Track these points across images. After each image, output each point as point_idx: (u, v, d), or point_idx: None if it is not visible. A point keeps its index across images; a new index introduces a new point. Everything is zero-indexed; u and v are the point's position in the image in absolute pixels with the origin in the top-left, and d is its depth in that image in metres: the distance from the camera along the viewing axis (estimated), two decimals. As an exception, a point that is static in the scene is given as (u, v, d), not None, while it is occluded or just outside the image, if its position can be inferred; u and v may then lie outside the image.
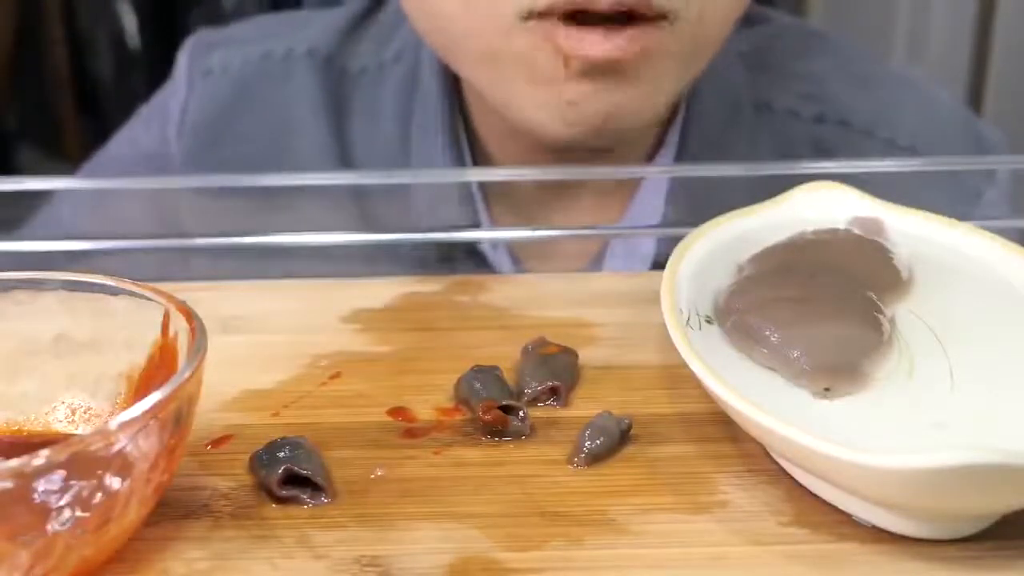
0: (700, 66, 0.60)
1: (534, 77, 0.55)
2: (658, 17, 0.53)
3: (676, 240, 0.46)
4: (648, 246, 0.66)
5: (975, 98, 1.51)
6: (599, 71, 0.53)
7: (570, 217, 0.67)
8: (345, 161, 0.69)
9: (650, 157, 0.67)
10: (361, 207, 0.66)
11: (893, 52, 1.52)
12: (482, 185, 0.67)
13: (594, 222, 0.68)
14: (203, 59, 0.73)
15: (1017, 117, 1.46)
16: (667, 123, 0.67)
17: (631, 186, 0.67)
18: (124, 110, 0.82)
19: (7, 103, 1.91)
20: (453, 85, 0.67)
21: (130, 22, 1.87)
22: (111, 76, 1.91)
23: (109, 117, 1.85)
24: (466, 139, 0.67)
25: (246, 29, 0.77)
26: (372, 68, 0.71)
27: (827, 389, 0.40)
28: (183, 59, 0.74)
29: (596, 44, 0.52)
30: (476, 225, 0.66)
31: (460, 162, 0.66)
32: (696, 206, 0.60)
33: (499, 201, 0.68)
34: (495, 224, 0.68)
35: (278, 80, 0.71)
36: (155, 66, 0.81)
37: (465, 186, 0.65)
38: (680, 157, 0.66)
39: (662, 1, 0.53)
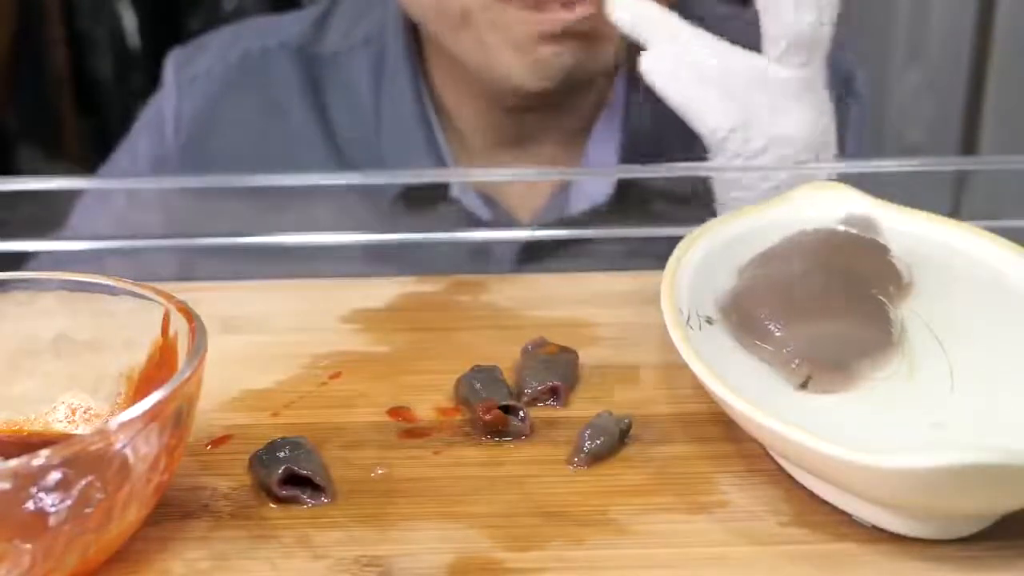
0: None
1: (511, 44, 0.67)
2: None
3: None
4: (605, 186, 0.76)
5: (975, 98, 1.50)
6: (567, 35, 0.67)
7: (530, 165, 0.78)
8: (327, 131, 0.78)
9: (598, 106, 0.78)
10: (339, 154, 0.78)
11: (893, 52, 1.51)
12: (446, 138, 0.77)
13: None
14: (187, 68, 0.82)
15: (1017, 117, 1.46)
16: (611, 79, 0.78)
17: (584, 136, 0.78)
18: (124, 110, 0.85)
19: (7, 103, 1.91)
20: (417, 60, 0.78)
21: (130, 22, 1.87)
22: (111, 76, 1.91)
23: (109, 117, 1.85)
24: (431, 103, 0.78)
25: (217, 37, 0.85)
26: (344, 51, 0.80)
27: (809, 378, 0.40)
28: (169, 72, 0.82)
29: (564, 13, 0.66)
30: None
31: (425, 118, 0.77)
32: (645, 153, 0.69)
33: (463, 152, 0.78)
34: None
35: (258, 72, 0.80)
36: (155, 66, 0.82)
37: (431, 138, 0.76)
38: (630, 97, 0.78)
39: None
